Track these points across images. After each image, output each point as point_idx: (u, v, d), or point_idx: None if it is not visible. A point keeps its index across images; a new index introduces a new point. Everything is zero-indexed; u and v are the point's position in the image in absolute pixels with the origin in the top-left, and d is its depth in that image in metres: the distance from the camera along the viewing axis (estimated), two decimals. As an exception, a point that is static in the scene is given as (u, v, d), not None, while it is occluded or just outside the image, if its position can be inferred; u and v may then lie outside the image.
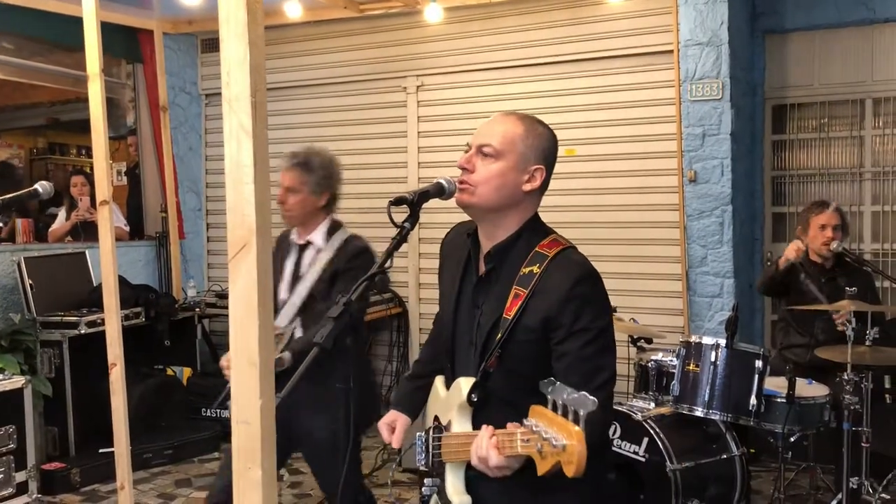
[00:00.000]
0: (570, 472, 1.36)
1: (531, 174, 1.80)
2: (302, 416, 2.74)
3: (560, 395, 1.40)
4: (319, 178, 2.90)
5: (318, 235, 2.97)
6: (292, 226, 3.03)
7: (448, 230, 2.08)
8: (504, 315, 1.76)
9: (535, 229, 1.84)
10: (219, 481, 2.94)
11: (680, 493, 3.23)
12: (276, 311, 2.88)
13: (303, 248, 3.00)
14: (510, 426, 1.57)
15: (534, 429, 1.44)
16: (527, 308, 1.73)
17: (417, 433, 2.01)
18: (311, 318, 2.91)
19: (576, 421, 1.37)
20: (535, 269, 1.76)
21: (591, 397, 1.38)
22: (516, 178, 1.79)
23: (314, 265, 2.93)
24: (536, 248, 1.79)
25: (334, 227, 3.01)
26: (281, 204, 2.91)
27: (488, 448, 1.58)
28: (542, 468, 1.43)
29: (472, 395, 1.75)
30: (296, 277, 2.98)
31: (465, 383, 1.79)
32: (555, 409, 1.42)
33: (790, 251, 3.96)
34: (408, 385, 2.14)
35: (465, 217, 1.94)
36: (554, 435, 1.38)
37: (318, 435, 2.82)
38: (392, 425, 2.03)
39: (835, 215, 4.04)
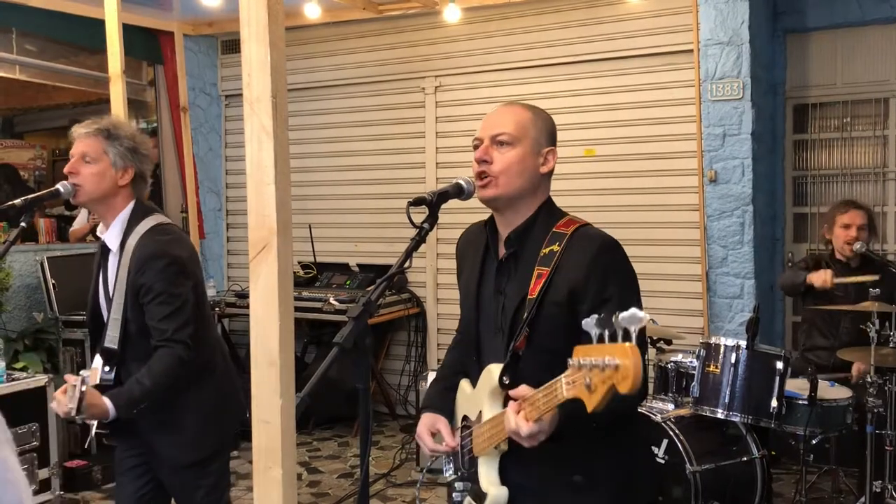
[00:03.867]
0: (624, 388, 1.30)
1: (545, 157, 1.84)
2: (160, 446, 2.44)
3: (607, 325, 1.36)
4: (125, 148, 2.38)
5: (112, 233, 2.39)
6: (82, 203, 2.47)
7: (461, 234, 2.08)
8: (529, 296, 1.76)
9: (551, 212, 1.86)
10: None
11: (700, 496, 3.21)
12: (101, 333, 2.43)
13: (105, 247, 2.43)
14: (526, 389, 1.57)
15: (580, 364, 1.39)
16: (551, 284, 1.74)
17: (443, 444, 1.99)
18: (132, 347, 2.36)
19: (626, 339, 1.32)
20: (556, 247, 1.77)
21: (643, 313, 1.34)
22: (534, 162, 1.82)
23: (118, 281, 2.35)
24: (554, 229, 1.81)
25: (137, 216, 2.39)
26: (72, 174, 2.36)
27: (517, 421, 1.56)
28: (592, 403, 1.37)
29: (504, 378, 1.73)
30: (105, 289, 2.43)
31: (495, 369, 1.78)
32: (601, 342, 1.37)
33: (818, 278, 3.90)
34: (435, 387, 2.10)
35: (482, 218, 1.95)
36: (605, 359, 1.33)
37: (175, 479, 2.49)
38: (433, 429, 1.92)
39: (859, 215, 3.99)
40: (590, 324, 1.39)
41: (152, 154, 2.52)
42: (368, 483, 1.71)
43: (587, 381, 1.37)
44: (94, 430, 2.52)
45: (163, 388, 2.30)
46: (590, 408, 1.38)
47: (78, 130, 2.41)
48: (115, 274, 2.37)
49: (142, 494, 2.50)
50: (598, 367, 1.34)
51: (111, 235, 2.39)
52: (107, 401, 2.23)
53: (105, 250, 2.43)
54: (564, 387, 1.45)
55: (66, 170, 2.39)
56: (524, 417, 1.56)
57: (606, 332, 1.36)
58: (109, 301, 2.40)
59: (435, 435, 1.92)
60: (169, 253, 2.33)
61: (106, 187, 2.37)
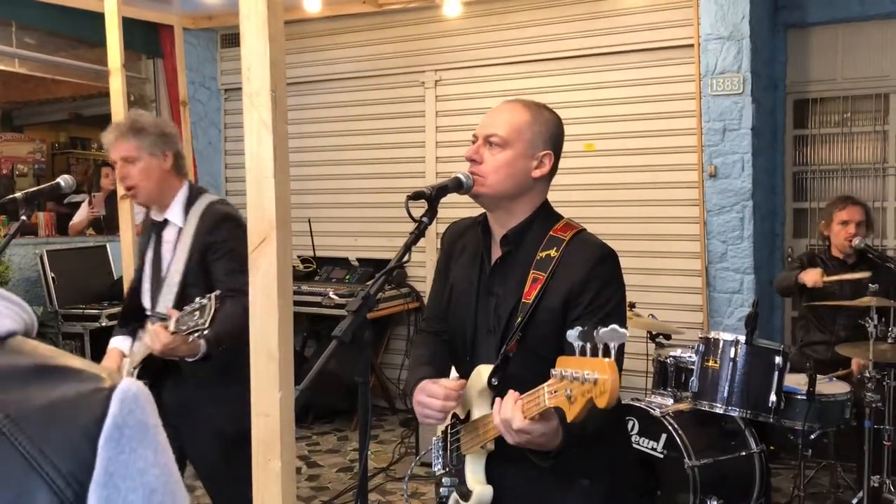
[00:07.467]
0: (602, 402, 1.32)
1: (539, 160, 1.81)
2: (195, 430, 2.49)
3: (589, 338, 1.38)
4: (155, 137, 2.50)
5: (175, 210, 2.54)
6: (147, 203, 2.60)
7: (448, 226, 2.06)
8: (523, 300, 1.76)
9: (548, 215, 1.85)
10: None
11: (698, 490, 3.22)
12: (137, 315, 2.61)
13: (161, 226, 2.57)
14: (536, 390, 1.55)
15: (561, 375, 1.41)
16: (547, 290, 1.74)
17: (433, 437, 1.99)
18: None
19: (606, 354, 1.35)
20: (553, 252, 1.76)
21: (623, 329, 1.36)
22: (525, 165, 1.80)
23: (179, 246, 2.49)
24: (551, 233, 1.80)
25: (193, 195, 2.57)
26: (123, 181, 2.52)
27: (513, 410, 1.53)
28: (572, 413, 1.39)
29: (493, 379, 1.74)
30: (157, 265, 2.57)
31: (484, 370, 1.78)
32: (583, 354, 1.40)
33: (809, 278, 3.90)
34: (415, 372, 1.93)
35: (480, 213, 1.94)
36: (584, 373, 1.36)
37: (209, 447, 2.53)
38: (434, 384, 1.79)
39: (858, 211, 3.99)
40: (573, 335, 1.42)
41: (177, 130, 2.69)
42: (367, 477, 1.72)
43: (568, 391, 1.39)
44: None
45: (237, 330, 2.27)
46: (569, 417, 1.40)
47: (107, 138, 2.53)
48: (175, 244, 2.52)
49: None
50: (579, 380, 1.37)
51: (175, 212, 2.54)
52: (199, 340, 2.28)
53: (160, 228, 2.58)
54: (547, 395, 1.47)
55: (118, 178, 2.58)
56: (520, 409, 1.53)
57: (588, 346, 1.38)
58: (159, 278, 2.52)
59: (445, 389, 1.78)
60: (237, 216, 2.54)
61: (157, 178, 2.51)
